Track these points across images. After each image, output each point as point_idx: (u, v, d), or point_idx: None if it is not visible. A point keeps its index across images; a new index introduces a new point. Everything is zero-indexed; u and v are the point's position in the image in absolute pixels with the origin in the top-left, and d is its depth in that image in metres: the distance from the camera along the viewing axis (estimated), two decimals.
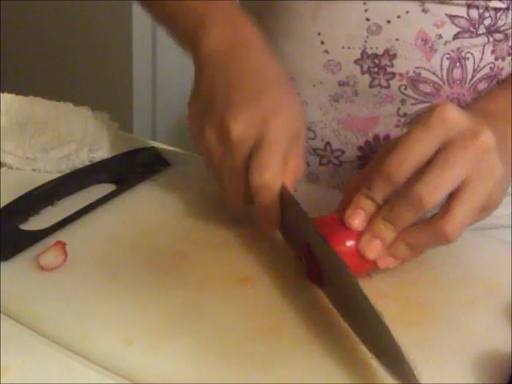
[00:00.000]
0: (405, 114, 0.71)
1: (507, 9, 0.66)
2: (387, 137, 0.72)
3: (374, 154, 0.73)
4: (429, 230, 0.52)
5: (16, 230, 0.62)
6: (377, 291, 0.56)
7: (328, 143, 0.75)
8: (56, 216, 0.63)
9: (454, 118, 0.51)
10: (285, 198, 0.57)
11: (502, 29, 0.67)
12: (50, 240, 0.60)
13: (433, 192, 0.50)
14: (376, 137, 0.73)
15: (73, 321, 0.52)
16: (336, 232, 0.55)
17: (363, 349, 0.50)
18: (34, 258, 0.57)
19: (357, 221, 0.54)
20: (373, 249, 0.54)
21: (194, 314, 0.53)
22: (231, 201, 0.60)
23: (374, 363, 0.49)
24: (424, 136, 0.51)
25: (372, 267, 0.57)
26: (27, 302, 0.54)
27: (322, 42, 0.71)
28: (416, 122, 0.53)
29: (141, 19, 1.92)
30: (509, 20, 0.67)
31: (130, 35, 1.96)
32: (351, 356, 0.50)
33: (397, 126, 0.72)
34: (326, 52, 0.71)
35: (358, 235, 0.55)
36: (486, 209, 0.54)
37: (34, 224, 0.63)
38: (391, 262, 0.55)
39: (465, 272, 0.60)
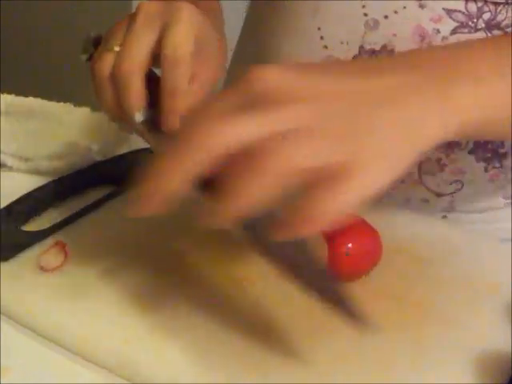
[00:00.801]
0: None
1: (507, 3, 0.65)
2: None
3: None
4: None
5: (16, 231, 0.62)
6: (376, 291, 0.56)
7: None
8: (56, 216, 0.63)
9: (261, 77, 0.43)
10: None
11: (502, 24, 0.66)
12: (50, 240, 0.60)
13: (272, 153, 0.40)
14: None
15: (73, 321, 0.52)
16: (337, 233, 0.55)
17: (364, 348, 0.50)
18: (34, 258, 0.57)
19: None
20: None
21: (194, 314, 0.53)
22: (103, 103, 0.56)
23: (375, 363, 0.49)
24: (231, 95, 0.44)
25: (372, 267, 0.57)
26: (27, 302, 0.54)
27: (322, 38, 0.71)
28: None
29: None
30: (509, 14, 0.66)
31: None
32: (353, 355, 0.50)
33: None
34: (325, 47, 0.71)
35: (358, 236, 0.55)
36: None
37: (34, 224, 0.63)
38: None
39: (465, 272, 0.60)
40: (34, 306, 0.53)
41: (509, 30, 0.66)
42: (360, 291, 0.56)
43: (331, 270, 0.55)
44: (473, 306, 0.56)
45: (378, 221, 0.57)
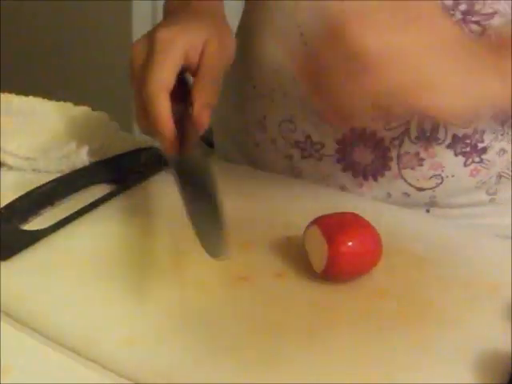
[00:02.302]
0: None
1: None
2: (363, 130, 0.72)
3: (351, 148, 0.73)
4: None
5: (16, 230, 0.62)
6: (377, 290, 0.56)
7: (308, 136, 0.75)
8: (56, 216, 0.63)
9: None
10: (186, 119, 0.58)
11: (479, 18, 0.64)
12: (50, 240, 0.60)
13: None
14: (353, 129, 0.73)
15: (73, 321, 0.52)
16: (337, 232, 0.55)
17: (364, 348, 0.50)
18: (33, 258, 0.57)
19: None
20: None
21: (195, 314, 0.53)
22: (138, 124, 0.60)
23: (375, 363, 0.49)
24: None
25: (372, 267, 0.57)
26: (27, 302, 0.54)
27: (302, 34, 0.71)
28: None
29: (141, 19, 1.92)
30: (485, 5, 0.64)
31: (130, 35, 1.96)
32: (353, 355, 0.50)
33: (373, 120, 0.72)
34: (306, 44, 0.71)
35: (358, 236, 0.55)
36: None
37: (34, 224, 0.63)
38: None
39: (465, 271, 0.60)
40: (34, 305, 0.53)
41: (486, 23, 0.64)
42: (360, 291, 0.56)
43: (331, 269, 0.55)
44: (473, 306, 0.56)
45: (378, 220, 0.57)
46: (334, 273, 0.56)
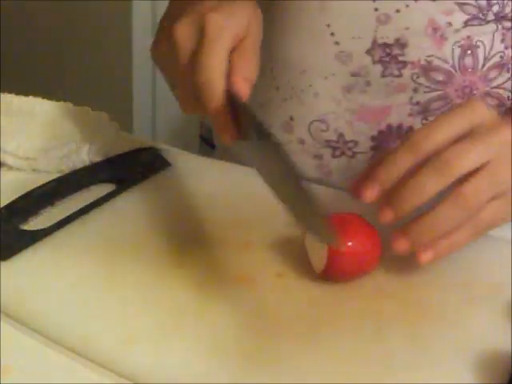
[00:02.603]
0: (417, 103, 0.71)
1: None
2: (400, 126, 0.72)
3: (387, 144, 0.73)
4: (449, 200, 0.54)
5: (16, 230, 0.62)
6: (377, 291, 0.56)
7: (341, 134, 0.74)
8: (56, 216, 0.63)
9: (484, 110, 0.57)
10: (236, 103, 0.56)
11: (510, 15, 0.67)
12: (50, 240, 0.60)
13: (460, 157, 0.53)
14: (389, 126, 0.72)
15: (73, 321, 0.52)
16: (340, 231, 0.55)
17: (364, 348, 0.50)
18: (33, 258, 0.57)
19: (368, 192, 0.55)
20: (387, 215, 0.55)
21: (195, 314, 0.53)
22: (183, 108, 0.59)
23: (375, 363, 0.49)
24: (453, 117, 0.56)
25: (373, 267, 0.57)
26: (27, 302, 0.54)
27: (332, 34, 0.71)
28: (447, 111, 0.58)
29: (141, 19, 1.92)
30: None
31: (129, 35, 1.95)
32: (352, 355, 0.50)
33: (410, 115, 0.72)
34: (337, 43, 0.71)
35: (358, 235, 0.55)
36: (501, 197, 0.56)
37: (34, 224, 0.63)
38: (431, 256, 0.56)
39: (465, 272, 0.60)
40: (34, 305, 0.53)
41: None
42: (360, 291, 0.56)
43: (331, 269, 0.55)
44: (473, 305, 0.56)
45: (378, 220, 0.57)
46: (333, 273, 0.56)
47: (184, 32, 0.57)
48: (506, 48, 0.69)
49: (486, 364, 0.50)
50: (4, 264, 0.57)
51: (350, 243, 0.55)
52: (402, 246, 0.55)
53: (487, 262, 0.62)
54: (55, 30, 2.15)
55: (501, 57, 0.69)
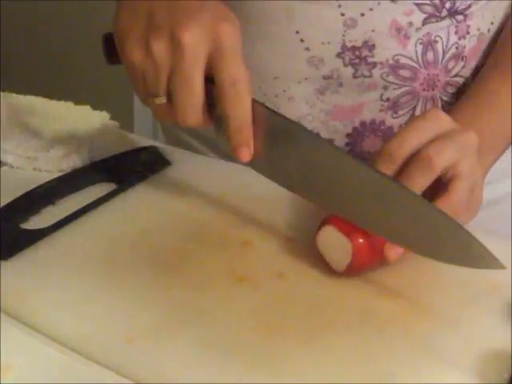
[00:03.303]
0: (387, 99, 0.74)
1: None
2: (373, 122, 0.76)
3: (361, 139, 0.76)
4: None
5: (16, 229, 0.62)
6: (376, 291, 0.56)
7: (317, 134, 0.76)
8: (56, 215, 0.63)
9: (446, 117, 0.59)
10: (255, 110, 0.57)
11: (460, 9, 0.72)
12: (51, 239, 0.60)
13: (438, 151, 0.56)
14: (362, 123, 0.76)
15: (73, 320, 0.52)
16: (354, 226, 0.55)
17: (364, 348, 0.50)
18: (33, 258, 0.57)
19: None
20: None
21: (195, 313, 0.53)
22: (187, 117, 0.57)
23: (375, 363, 0.49)
24: (421, 125, 0.58)
25: (380, 262, 0.57)
26: (27, 302, 0.54)
27: (302, 40, 0.72)
28: (413, 118, 0.60)
29: None
30: (464, 1, 0.72)
31: None
32: (353, 355, 0.50)
33: (381, 111, 0.75)
34: (307, 49, 0.73)
35: (360, 233, 0.55)
36: (470, 208, 0.59)
37: (35, 223, 0.63)
38: (399, 252, 0.56)
39: (465, 272, 0.60)
40: (34, 305, 0.53)
41: (467, 12, 0.73)
42: (360, 291, 0.56)
43: (358, 262, 0.56)
44: (473, 305, 0.56)
45: None
46: (359, 266, 0.56)
47: (195, 39, 0.55)
48: (460, 39, 0.74)
49: (486, 364, 0.50)
50: (4, 263, 0.57)
51: (368, 236, 0.55)
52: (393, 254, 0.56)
53: None
54: (55, 29, 2.15)
55: (456, 47, 0.74)
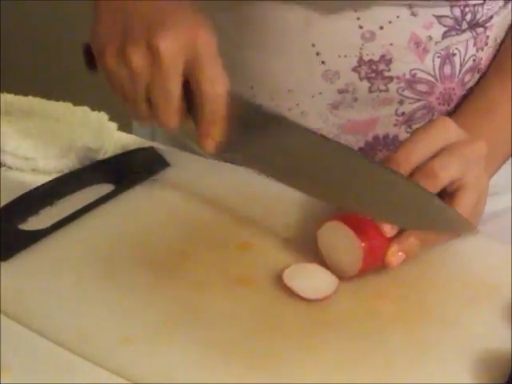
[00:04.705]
0: (403, 114, 0.73)
1: (482, 4, 0.70)
2: (386, 136, 0.74)
3: (374, 153, 0.75)
4: None
5: (15, 230, 0.62)
6: (376, 291, 0.56)
7: None
8: (55, 216, 0.63)
9: (454, 126, 0.60)
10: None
11: (480, 21, 0.71)
12: (50, 240, 0.60)
13: (444, 166, 0.57)
14: (376, 137, 0.74)
15: (72, 320, 0.52)
16: (367, 226, 0.56)
17: (364, 348, 0.50)
18: (33, 258, 0.57)
19: None
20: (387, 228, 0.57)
21: (194, 314, 0.53)
22: (166, 121, 0.60)
23: (375, 363, 0.49)
24: (430, 134, 0.59)
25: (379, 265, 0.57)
26: (27, 302, 0.54)
27: (318, 53, 0.71)
28: (421, 128, 0.61)
29: None
30: (485, 11, 0.71)
31: None
32: (352, 355, 0.50)
33: (395, 125, 0.74)
34: (323, 63, 0.71)
35: (375, 225, 0.55)
36: (473, 219, 0.59)
37: (34, 224, 0.63)
38: (401, 258, 0.56)
39: (464, 272, 0.60)
40: (34, 305, 0.53)
41: (487, 24, 0.71)
42: (360, 292, 0.56)
43: (370, 263, 0.56)
44: (473, 305, 0.56)
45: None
46: (371, 267, 0.56)
47: (173, 47, 0.57)
48: (477, 50, 0.73)
49: (486, 364, 0.50)
50: (4, 264, 0.57)
51: (378, 236, 0.56)
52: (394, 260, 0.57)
53: (487, 262, 0.62)
54: (55, 29, 2.15)
55: (473, 60, 0.73)
